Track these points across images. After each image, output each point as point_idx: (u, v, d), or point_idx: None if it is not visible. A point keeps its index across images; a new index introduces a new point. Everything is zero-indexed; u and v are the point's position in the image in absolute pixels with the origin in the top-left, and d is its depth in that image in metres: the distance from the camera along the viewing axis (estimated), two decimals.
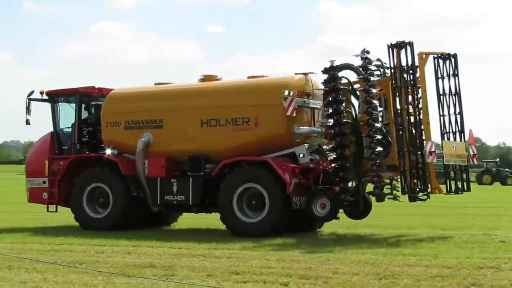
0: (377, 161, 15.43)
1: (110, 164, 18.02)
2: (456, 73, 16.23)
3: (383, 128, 16.12)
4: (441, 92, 16.22)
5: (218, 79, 18.10)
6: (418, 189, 15.37)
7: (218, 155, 16.69)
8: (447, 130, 16.18)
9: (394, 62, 15.54)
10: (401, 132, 15.37)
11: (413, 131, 15.39)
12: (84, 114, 19.48)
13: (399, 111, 15.45)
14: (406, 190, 15.35)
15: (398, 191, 16.03)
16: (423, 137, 15.53)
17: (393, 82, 15.61)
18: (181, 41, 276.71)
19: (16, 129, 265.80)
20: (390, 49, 15.55)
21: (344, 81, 16.10)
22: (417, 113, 15.42)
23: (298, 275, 10.32)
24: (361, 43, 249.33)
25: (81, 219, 18.38)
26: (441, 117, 16.26)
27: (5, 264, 11.57)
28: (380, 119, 15.80)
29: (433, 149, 15.06)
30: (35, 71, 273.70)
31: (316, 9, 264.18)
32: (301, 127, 16.21)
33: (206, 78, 18.01)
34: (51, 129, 19.39)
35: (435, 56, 16.23)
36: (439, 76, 16.18)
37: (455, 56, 16.28)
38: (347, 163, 15.70)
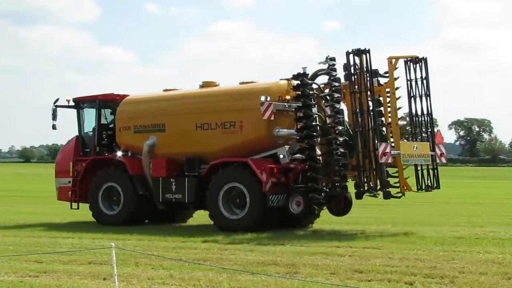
0: (340, 162, 16.31)
1: (121, 165, 19.57)
2: (426, 76, 16.97)
3: (350, 130, 17.04)
4: (411, 94, 16.99)
5: (216, 85, 19.17)
6: (371, 187, 15.95)
7: (211, 157, 17.94)
8: (416, 131, 16.94)
9: (352, 68, 16.20)
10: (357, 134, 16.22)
11: (370, 133, 15.94)
12: (107, 119, 21.06)
13: (356, 114, 16.09)
14: (361, 188, 16.08)
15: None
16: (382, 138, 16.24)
17: (350, 87, 16.34)
18: (297, 39, 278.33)
19: None
20: (349, 55, 16.23)
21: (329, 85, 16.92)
22: (373, 116, 16.02)
23: (423, 274, 10.22)
24: (483, 36, 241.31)
25: (97, 215, 19.90)
26: (413, 118, 17.09)
27: (132, 261, 11.97)
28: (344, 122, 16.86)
29: (387, 150, 15.64)
30: (158, 71, 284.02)
31: (436, 3, 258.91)
32: (281, 130, 17.24)
33: (205, 84, 19.17)
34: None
35: (406, 60, 16.99)
36: (410, 78, 16.95)
37: (425, 59, 17.00)
38: (316, 163, 16.64)
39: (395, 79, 16.86)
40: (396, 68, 16.84)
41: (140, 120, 19.43)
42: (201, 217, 20.32)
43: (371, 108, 16.19)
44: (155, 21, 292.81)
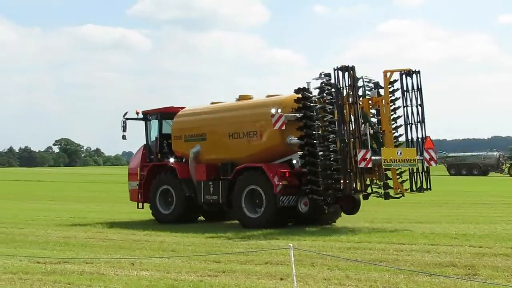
0: (333, 166, 18.04)
1: (172, 170, 21.92)
2: (419, 87, 18.53)
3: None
4: (406, 103, 18.57)
5: (250, 98, 21.14)
6: (353, 189, 17.69)
7: (240, 162, 20.04)
8: (411, 137, 18.49)
9: (340, 83, 17.82)
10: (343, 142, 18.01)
11: (353, 140, 17.56)
12: (168, 129, 23.01)
13: (341, 124, 17.76)
14: (347, 190, 17.83)
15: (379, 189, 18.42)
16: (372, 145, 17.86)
17: (337, 100, 17.96)
18: (473, 35, 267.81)
19: None
20: (336, 71, 17.90)
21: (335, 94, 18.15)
22: (356, 125, 17.64)
23: None
24: None
25: (155, 214, 22.29)
26: (407, 126, 18.72)
27: (308, 261, 12.15)
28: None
29: (366, 156, 17.27)
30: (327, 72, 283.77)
31: None
32: (293, 138, 18.99)
33: (241, 97, 21.28)
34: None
35: (401, 72, 18.62)
36: (405, 89, 18.53)
37: (419, 72, 18.58)
38: (316, 168, 18.15)
39: (394, 91, 18.61)
40: (396, 81, 18.54)
41: (189, 131, 21.83)
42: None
43: (353, 118, 17.95)
44: (323, 22, 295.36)
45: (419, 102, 18.63)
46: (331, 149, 18.38)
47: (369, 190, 18.62)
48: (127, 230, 19.06)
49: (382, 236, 15.87)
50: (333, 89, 18.27)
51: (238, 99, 21.40)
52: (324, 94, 18.59)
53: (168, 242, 16.01)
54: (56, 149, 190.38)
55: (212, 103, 22.27)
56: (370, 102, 18.96)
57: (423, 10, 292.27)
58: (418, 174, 18.66)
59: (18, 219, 23.60)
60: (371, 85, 19.19)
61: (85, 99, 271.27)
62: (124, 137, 23.33)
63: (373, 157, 17.65)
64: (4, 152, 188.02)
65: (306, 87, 18.72)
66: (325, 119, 18.55)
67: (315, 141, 18.45)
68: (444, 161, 72.93)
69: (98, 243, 16.22)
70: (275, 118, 18.68)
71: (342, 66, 17.96)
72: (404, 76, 18.64)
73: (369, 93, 19.05)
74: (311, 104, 18.64)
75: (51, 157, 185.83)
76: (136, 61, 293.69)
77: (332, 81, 18.22)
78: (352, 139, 17.80)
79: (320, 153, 18.37)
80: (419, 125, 18.67)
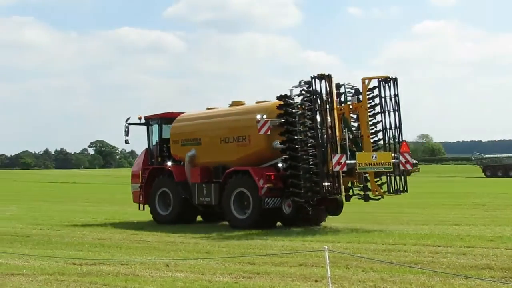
0: (312, 170, 18.62)
1: (170, 173, 22.89)
2: (396, 93, 19.33)
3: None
4: (383, 109, 19.40)
5: (242, 104, 21.95)
6: (329, 191, 18.24)
7: (230, 165, 20.87)
8: (388, 142, 19.52)
9: (316, 90, 18.51)
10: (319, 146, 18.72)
11: (328, 145, 18.30)
12: (168, 134, 23.73)
13: (318, 129, 18.54)
14: (324, 192, 18.37)
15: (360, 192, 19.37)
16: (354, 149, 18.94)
17: (314, 106, 18.63)
18: (508, 35, 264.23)
19: None
20: (313, 79, 18.58)
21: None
22: (332, 130, 18.43)
23: None
24: None
25: (154, 215, 23.21)
26: (384, 131, 19.53)
27: (342, 263, 12.13)
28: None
29: (341, 160, 18.02)
30: (361, 73, 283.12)
31: None
32: (278, 143, 19.68)
33: (233, 103, 22.16)
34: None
35: (379, 79, 19.45)
36: (383, 96, 19.35)
37: (396, 79, 19.34)
38: (297, 171, 18.86)
39: (374, 97, 19.43)
40: (374, 88, 19.42)
41: (185, 135, 22.81)
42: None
43: (329, 124, 18.63)
44: (357, 23, 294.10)
45: (395, 108, 19.45)
46: (310, 153, 19.06)
47: (351, 192, 19.85)
48: (161, 232, 19.19)
49: (417, 238, 15.79)
50: (312, 96, 18.99)
51: (231, 105, 22.36)
52: (304, 101, 19.25)
53: (203, 243, 16.09)
54: (91, 151, 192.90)
55: (208, 108, 23.38)
56: (350, 107, 19.87)
57: (458, 10, 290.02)
58: (394, 177, 19.30)
59: (54, 221, 23.93)
60: (353, 91, 20.04)
61: (120, 101, 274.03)
62: (127, 142, 24.29)
63: (348, 161, 18.50)
64: (40, 154, 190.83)
65: (288, 94, 19.43)
66: (305, 124, 19.26)
67: (296, 146, 19.15)
68: (480, 162, 72.29)
69: (133, 245, 16.33)
70: (260, 124, 19.54)
71: (319, 74, 18.68)
72: (382, 83, 19.46)
73: (350, 99, 19.95)
74: (293, 111, 19.35)
75: (86, 159, 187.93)
76: (170, 63, 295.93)
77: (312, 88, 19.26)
78: (329, 144, 18.56)
79: (303, 157, 18.95)
80: (396, 130, 19.47)
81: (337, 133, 18.67)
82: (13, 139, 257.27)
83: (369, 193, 19.33)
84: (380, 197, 19.56)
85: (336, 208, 20.29)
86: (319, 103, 18.70)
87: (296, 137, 19.17)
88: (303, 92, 19.16)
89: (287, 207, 19.50)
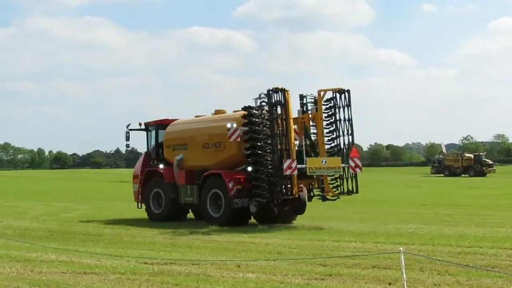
0: (269, 174, 20.67)
1: (162, 175, 25.08)
2: (348, 104, 21.38)
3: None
4: (337, 118, 21.53)
5: (223, 112, 24.00)
6: (282, 193, 20.26)
7: (210, 169, 22.99)
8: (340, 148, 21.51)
9: (271, 101, 20.52)
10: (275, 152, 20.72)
11: (279, 152, 20.31)
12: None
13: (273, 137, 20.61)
14: (278, 194, 20.37)
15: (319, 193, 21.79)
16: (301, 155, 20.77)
17: (270, 116, 20.75)
18: None
19: (417, 133, 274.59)
20: (269, 92, 20.64)
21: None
22: (285, 138, 20.37)
23: None
24: None
25: (148, 213, 25.37)
26: (337, 138, 21.64)
27: (417, 266, 11.96)
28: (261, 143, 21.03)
29: (292, 165, 20.11)
30: (436, 71, 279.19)
31: None
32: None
33: (216, 112, 24.38)
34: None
35: (334, 91, 21.64)
36: (337, 106, 21.45)
37: (348, 91, 21.46)
38: (259, 175, 21.01)
39: (330, 107, 21.35)
40: (331, 99, 21.34)
41: (175, 140, 25.00)
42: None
43: (283, 133, 20.56)
44: (432, 21, 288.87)
45: (348, 117, 21.52)
46: (269, 159, 21.09)
47: (313, 193, 22.36)
48: (232, 232, 19.32)
49: (494, 241, 15.53)
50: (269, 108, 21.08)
51: (214, 113, 24.65)
52: (264, 111, 21.51)
53: (274, 244, 16.11)
54: None
55: (196, 116, 25.56)
56: (310, 116, 22.02)
57: None
58: (346, 180, 21.38)
59: (125, 220, 24.53)
60: (313, 101, 21.95)
61: (191, 100, 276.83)
62: (127, 146, 26.60)
63: (299, 166, 20.63)
64: (111, 154, 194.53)
65: (252, 105, 21.59)
66: (264, 133, 21.37)
67: (259, 152, 21.29)
68: None
69: (204, 245, 16.48)
70: (230, 132, 21.65)
71: (275, 88, 20.86)
72: (336, 94, 21.57)
73: (310, 109, 22.06)
74: (256, 120, 21.51)
75: None
76: (240, 62, 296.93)
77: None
78: (282, 151, 20.67)
79: (264, 162, 20.98)
80: (348, 137, 21.51)
81: (292, 140, 20.78)
82: (85, 138, 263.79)
83: (328, 194, 21.59)
84: (336, 197, 21.90)
85: (300, 208, 22.21)
86: (274, 114, 20.83)
87: (258, 144, 21.35)
88: (263, 103, 21.43)
89: (254, 207, 21.59)
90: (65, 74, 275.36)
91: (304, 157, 21.07)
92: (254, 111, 21.65)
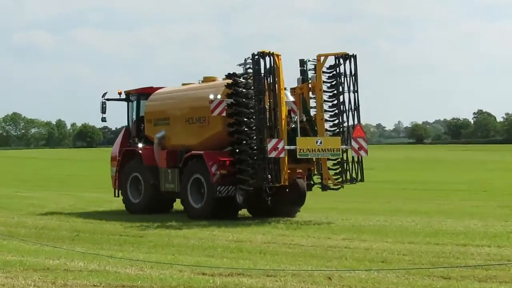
0: (249, 156, 22.29)
1: (140, 156, 26.64)
2: (355, 72, 23.00)
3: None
4: (339, 90, 23.16)
5: (214, 80, 25.62)
6: (269, 180, 21.62)
7: (194, 149, 24.41)
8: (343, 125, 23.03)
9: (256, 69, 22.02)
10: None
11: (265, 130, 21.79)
12: None
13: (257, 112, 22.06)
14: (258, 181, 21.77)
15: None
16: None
17: (255, 87, 22.20)
18: None
19: None
20: (254, 58, 21.95)
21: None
22: (270, 113, 21.88)
23: None
24: None
25: (125, 203, 27.18)
26: (339, 113, 23.10)
27: None
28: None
29: (278, 146, 21.39)
30: None
31: None
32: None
33: (205, 79, 26.06)
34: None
35: (336, 56, 23.18)
36: (339, 74, 23.04)
37: (355, 56, 23.07)
38: (244, 157, 22.44)
39: (333, 76, 22.98)
40: (334, 66, 22.93)
41: (157, 114, 26.59)
42: None
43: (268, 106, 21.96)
44: None
45: (353, 89, 23.01)
46: (254, 137, 22.46)
47: (314, 181, 24.12)
48: (319, 233, 19.37)
49: None
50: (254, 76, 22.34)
51: (202, 81, 26.16)
52: (249, 81, 22.92)
53: (376, 249, 16.14)
54: None
55: (183, 84, 27.27)
56: (309, 86, 23.48)
57: None
58: (348, 164, 23.05)
59: (175, 215, 24.79)
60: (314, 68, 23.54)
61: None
62: (103, 120, 28.55)
63: (287, 147, 21.92)
64: None
65: (234, 73, 22.99)
66: (251, 106, 22.67)
67: (245, 129, 22.70)
68: None
69: (282, 249, 16.59)
70: (214, 104, 22.96)
71: (261, 52, 22.00)
72: (339, 60, 23.04)
73: (311, 77, 23.45)
74: (243, 90, 22.86)
75: None
76: (326, 3, 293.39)
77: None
78: (266, 128, 21.86)
79: (250, 141, 22.45)
80: (352, 113, 22.92)
81: (282, 116, 22.11)
82: (118, 107, 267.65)
83: (327, 181, 23.18)
84: (339, 186, 23.51)
85: (297, 198, 23.83)
86: (260, 84, 22.05)
87: (245, 119, 22.76)
88: (249, 70, 22.87)
89: (240, 196, 23.12)
90: (90, 20, 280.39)
91: (299, 136, 22.57)
92: (240, 79, 23.05)
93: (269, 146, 21.52)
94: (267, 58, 22.13)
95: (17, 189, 41.86)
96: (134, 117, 28.28)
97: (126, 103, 28.72)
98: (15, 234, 20.00)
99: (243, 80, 23.06)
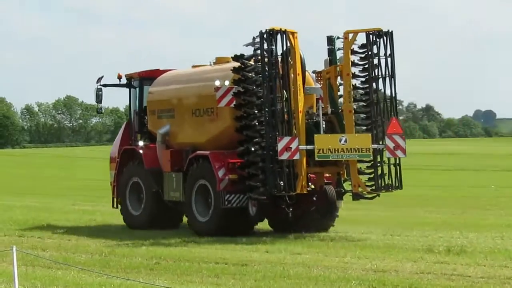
0: (259, 158, 23.26)
1: (141, 156, 26.79)
2: (391, 53, 23.69)
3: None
4: (372, 75, 23.49)
5: (228, 61, 25.34)
6: (282, 188, 22.83)
7: (202, 148, 25.28)
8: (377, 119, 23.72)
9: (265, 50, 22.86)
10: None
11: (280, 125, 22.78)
12: None
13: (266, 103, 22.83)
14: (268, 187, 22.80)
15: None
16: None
17: (263, 72, 23.05)
18: None
19: None
20: (263, 36, 22.98)
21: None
22: (285, 104, 22.98)
23: None
24: None
25: (124, 216, 27.89)
26: (371, 104, 23.93)
27: None
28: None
29: (291, 145, 22.46)
30: None
31: None
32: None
33: (218, 61, 26.39)
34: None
35: (368, 33, 23.70)
36: (371, 56, 23.35)
37: (391, 34, 23.68)
38: (253, 159, 22.86)
39: (366, 57, 24.49)
40: (366, 45, 24.32)
41: (161, 104, 26.81)
42: None
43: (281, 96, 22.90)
44: None
45: (389, 73, 23.67)
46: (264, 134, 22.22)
47: (348, 187, 24.74)
48: (490, 259, 19.18)
49: None
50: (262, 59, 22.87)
51: (215, 63, 26.34)
52: (258, 65, 22.94)
53: None
54: None
55: (194, 66, 27.28)
56: (337, 70, 24.40)
57: None
58: (381, 168, 24.30)
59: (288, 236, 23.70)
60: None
61: None
62: (99, 111, 30.20)
63: (302, 147, 22.67)
64: None
65: (242, 54, 23.24)
66: (259, 95, 22.79)
67: (255, 124, 22.98)
68: None
69: (441, 283, 16.26)
70: (220, 92, 23.46)
71: (271, 29, 22.74)
72: (373, 38, 23.77)
73: (339, 58, 24.45)
74: (253, 76, 23.25)
75: None
76: None
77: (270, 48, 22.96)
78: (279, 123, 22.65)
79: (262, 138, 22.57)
80: (390, 103, 24.11)
81: (299, 108, 22.89)
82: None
83: (356, 188, 23.74)
84: (374, 195, 24.14)
85: (326, 208, 24.21)
86: (270, 68, 22.62)
87: (256, 112, 23.01)
88: (258, 52, 22.91)
89: (253, 207, 23.67)
90: None
91: (322, 133, 23.14)
92: (249, 62, 23.27)
93: (280, 145, 22.24)
94: (279, 37, 22.88)
95: (74, 200, 41.84)
96: (137, 107, 28.63)
97: (128, 89, 29.19)
98: (74, 261, 19.56)
99: (253, 64, 23.31)
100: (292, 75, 23.06)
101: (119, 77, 29.07)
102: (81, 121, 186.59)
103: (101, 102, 29.04)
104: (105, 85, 28.95)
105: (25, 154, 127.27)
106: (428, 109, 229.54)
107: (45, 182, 60.33)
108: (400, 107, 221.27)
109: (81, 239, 24.91)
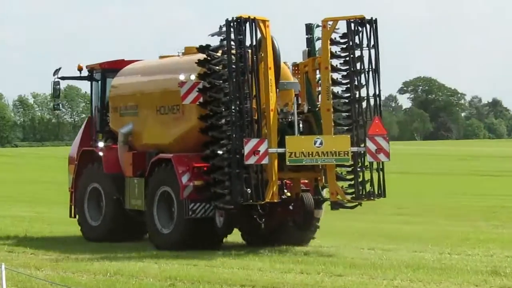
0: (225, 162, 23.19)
1: (100, 159, 26.22)
2: (375, 43, 23.58)
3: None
4: (353, 68, 23.30)
5: (196, 52, 23.99)
6: (249, 196, 22.88)
7: (167, 150, 25.69)
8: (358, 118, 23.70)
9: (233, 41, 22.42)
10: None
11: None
12: None
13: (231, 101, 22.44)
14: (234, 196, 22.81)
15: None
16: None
17: (229, 66, 23.41)
18: None
19: None
20: (229, 25, 23.04)
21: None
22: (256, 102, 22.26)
23: None
24: None
25: (81, 226, 28.27)
26: (353, 102, 23.85)
27: None
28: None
29: (259, 149, 23.11)
30: None
31: None
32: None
33: (186, 51, 26.55)
34: None
35: (349, 20, 23.82)
36: (352, 46, 23.16)
37: (374, 21, 23.56)
38: (220, 163, 22.93)
39: (348, 48, 24.77)
40: (347, 35, 24.20)
41: (124, 100, 26.91)
42: None
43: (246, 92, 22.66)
44: None
45: (373, 67, 23.73)
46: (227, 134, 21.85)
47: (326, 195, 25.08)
48: None
49: None
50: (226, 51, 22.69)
51: (184, 53, 26.43)
52: (226, 57, 22.60)
53: None
54: None
55: (161, 57, 27.47)
56: (316, 62, 24.61)
57: None
58: (364, 173, 24.43)
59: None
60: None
61: None
62: (56, 107, 31.71)
63: (271, 150, 23.25)
64: None
65: (208, 45, 23.29)
66: (226, 91, 22.69)
67: (221, 123, 23.21)
68: None
69: None
70: (185, 88, 24.15)
71: (238, 17, 22.98)
72: (354, 26, 23.92)
73: (318, 49, 24.55)
74: (220, 70, 23.61)
75: None
76: None
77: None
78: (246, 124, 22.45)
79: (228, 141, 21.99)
80: (375, 100, 24.42)
81: (271, 106, 23.53)
82: None
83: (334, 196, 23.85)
84: (355, 203, 24.62)
85: (302, 219, 24.95)
86: (234, 61, 22.72)
87: (223, 110, 23.11)
88: (224, 43, 22.99)
89: (220, 218, 24.18)
90: None
91: (297, 134, 23.55)
92: (216, 54, 23.51)
93: (247, 149, 22.79)
94: (247, 26, 23.14)
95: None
96: (99, 103, 28.89)
97: (89, 83, 29.44)
98: (73, 282, 19.18)
99: (220, 56, 23.16)
100: (263, 69, 23.03)
101: (80, 69, 29.36)
102: (84, 115, 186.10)
103: (58, 97, 29.91)
104: (63, 78, 29.51)
105: (17, 154, 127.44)
106: (494, 104, 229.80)
107: (40, 188, 59.89)
108: (462, 101, 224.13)
109: (82, 255, 24.90)
